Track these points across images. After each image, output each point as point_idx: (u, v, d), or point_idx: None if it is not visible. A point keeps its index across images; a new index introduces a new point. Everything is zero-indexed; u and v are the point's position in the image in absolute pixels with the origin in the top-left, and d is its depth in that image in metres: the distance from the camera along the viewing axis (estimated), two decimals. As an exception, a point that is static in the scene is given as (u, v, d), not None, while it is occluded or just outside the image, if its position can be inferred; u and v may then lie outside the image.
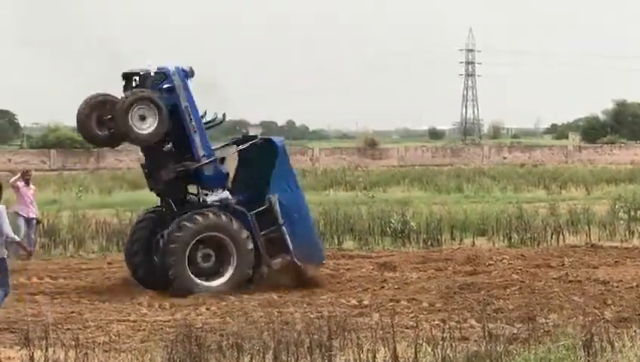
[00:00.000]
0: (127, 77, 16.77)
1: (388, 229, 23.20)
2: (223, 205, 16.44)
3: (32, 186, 21.50)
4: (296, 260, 16.53)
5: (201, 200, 16.65)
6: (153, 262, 16.59)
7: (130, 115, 16.08)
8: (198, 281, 16.01)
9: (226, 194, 16.66)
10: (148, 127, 16.19)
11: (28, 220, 20.95)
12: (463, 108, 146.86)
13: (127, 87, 16.73)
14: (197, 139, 16.62)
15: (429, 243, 22.28)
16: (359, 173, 52.63)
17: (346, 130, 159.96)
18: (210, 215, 16.15)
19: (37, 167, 56.76)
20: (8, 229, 13.00)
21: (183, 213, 16.32)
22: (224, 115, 17.42)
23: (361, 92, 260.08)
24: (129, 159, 61.13)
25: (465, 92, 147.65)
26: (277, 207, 16.59)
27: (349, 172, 53.36)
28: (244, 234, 16.19)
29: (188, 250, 15.97)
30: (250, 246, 16.23)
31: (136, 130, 16.16)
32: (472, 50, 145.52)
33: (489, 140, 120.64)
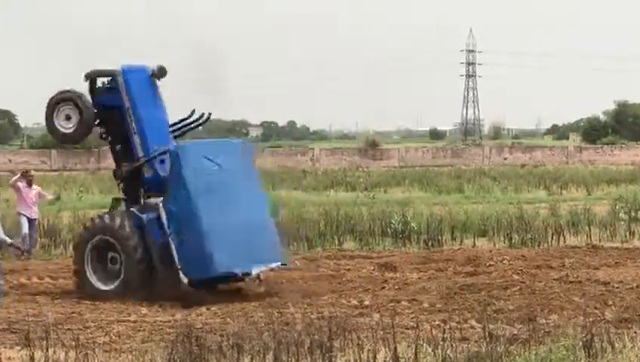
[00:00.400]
0: (90, 77, 16.83)
1: (388, 230, 23.20)
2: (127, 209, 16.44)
3: (35, 187, 21.46)
4: (180, 273, 15.77)
5: (140, 201, 16.56)
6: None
7: (55, 114, 16.70)
8: (93, 283, 16.05)
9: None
10: (71, 126, 16.70)
11: (30, 220, 20.97)
12: (464, 109, 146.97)
13: (91, 89, 16.86)
14: (136, 140, 16.56)
15: (430, 243, 22.27)
16: (360, 173, 52.70)
17: (346, 131, 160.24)
18: (106, 218, 16.16)
19: (37, 168, 56.74)
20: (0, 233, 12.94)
21: None
22: (209, 113, 17.43)
23: (362, 93, 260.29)
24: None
25: (465, 93, 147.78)
26: (163, 215, 16.02)
27: (349, 172, 53.43)
28: (134, 240, 15.84)
29: (87, 249, 16.10)
30: (139, 253, 15.82)
31: (61, 129, 16.76)
32: (472, 51, 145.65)
33: (490, 141, 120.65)
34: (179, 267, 15.72)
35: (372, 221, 24.16)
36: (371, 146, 78.43)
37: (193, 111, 17.34)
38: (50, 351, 10.21)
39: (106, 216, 16.22)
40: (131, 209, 16.22)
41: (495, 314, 13.43)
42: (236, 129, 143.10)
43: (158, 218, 15.99)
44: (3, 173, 58.45)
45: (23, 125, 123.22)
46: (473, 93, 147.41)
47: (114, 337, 12.53)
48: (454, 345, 10.41)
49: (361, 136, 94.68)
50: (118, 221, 15.98)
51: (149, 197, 16.54)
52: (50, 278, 17.98)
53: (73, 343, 10.77)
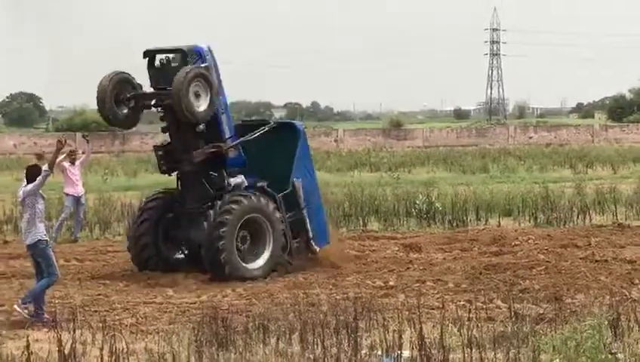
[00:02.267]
0: (150, 55, 16.50)
1: (413, 210, 23.17)
2: (264, 189, 16.47)
3: (77, 163, 21.39)
4: (312, 243, 16.86)
5: (225, 183, 16.41)
6: (159, 245, 16.61)
7: (189, 91, 15.68)
8: (244, 264, 15.87)
9: (242, 178, 16.61)
10: (201, 105, 15.95)
11: (76, 199, 21.12)
12: (488, 88, 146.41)
13: (151, 66, 16.47)
14: (224, 119, 16.63)
15: (455, 223, 22.23)
16: (384, 154, 52.58)
17: (370, 111, 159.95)
18: (252, 197, 16.07)
19: (62, 151, 56.91)
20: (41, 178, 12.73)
21: (212, 198, 16.28)
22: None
23: (386, 73, 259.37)
24: (154, 142, 61.19)
25: (490, 72, 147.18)
26: (301, 191, 16.75)
27: (373, 153, 53.31)
28: (278, 215, 16.26)
29: (236, 232, 15.83)
30: (282, 228, 16.30)
31: (195, 107, 15.82)
32: (496, 30, 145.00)
33: (514, 120, 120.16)
34: (311, 237, 16.89)
35: (396, 201, 24.12)
36: (395, 127, 78.31)
37: None
38: (78, 332, 10.27)
39: (251, 196, 16.10)
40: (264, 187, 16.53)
41: (521, 294, 13.41)
42: (260, 110, 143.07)
43: (288, 194, 16.65)
44: (29, 156, 58.72)
45: (48, 108, 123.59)
46: (497, 73, 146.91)
47: (140, 319, 12.59)
48: (480, 324, 10.40)
49: (385, 117, 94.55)
50: (262, 199, 16.16)
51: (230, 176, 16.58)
52: (77, 260, 18.07)
53: (100, 325, 10.83)
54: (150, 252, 16.54)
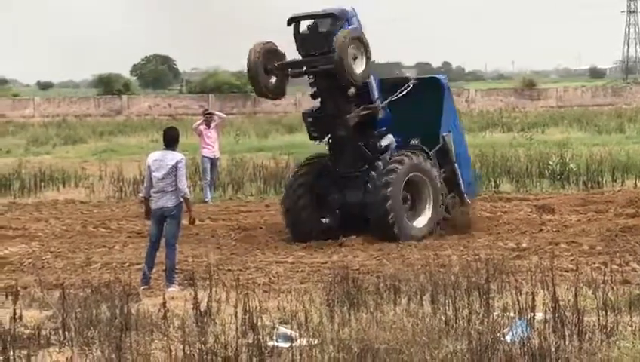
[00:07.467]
0: (295, 21, 16.27)
1: (546, 171, 22.82)
2: (419, 147, 16.44)
3: (212, 125, 21.83)
4: (465, 196, 16.86)
5: (377, 145, 16.28)
6: (314, 210, 16.28)
7: (349, 54, 15.55)
8: (411, 224, 15.90)
9: (392, 138, 16.48)
10: (358, 67, 15.76)
11: (212, 161, 21.60)
12: (625, 46, 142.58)
13: (297, 32, 16.25)
14: (373, 81, 16.49)
15: (589, 185, 21.81)
16: (516, 114, 51.82)
17: (502, 71, 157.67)
18: (413, 156, 16.02)
19: (195, 112, 57.83)
20: (184, 184, 12.61)
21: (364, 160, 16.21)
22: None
23: (519, 31, 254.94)
24: (285, 103, 61.63)
25: (627, 29, 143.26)
26: (451, 145, 16.75)
27: (505, 113, 52.57)
28: (436, 173, 16.24)
29: (401, 192, 15.81)
30: (440, 184, 16.29)
31: (355, 69, 15.67)
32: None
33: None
34: (464, 192, 16.90)
35: (529, 162, 23.79)
36: (528, 86, 76.95)
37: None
38: (212, 290, 10.46)
39: (412, 155, 16.04)
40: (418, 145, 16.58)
41: (658, 257, 13.10)
42: (391, 70, 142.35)
43: (439, 150, 16.62)
44: (163, 118, 59.88)
45: (181, 70, 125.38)
46: (635, 30, 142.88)
47: (273, 278, 12.76)
48: (615, 287, 10.21)
49: (518, 76, 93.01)
50: (421, 157, 16.16)
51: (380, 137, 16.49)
52: (210, 220, 18.41)
53: (234, 283, 11.01)
54: (306, 216, 16.25)
